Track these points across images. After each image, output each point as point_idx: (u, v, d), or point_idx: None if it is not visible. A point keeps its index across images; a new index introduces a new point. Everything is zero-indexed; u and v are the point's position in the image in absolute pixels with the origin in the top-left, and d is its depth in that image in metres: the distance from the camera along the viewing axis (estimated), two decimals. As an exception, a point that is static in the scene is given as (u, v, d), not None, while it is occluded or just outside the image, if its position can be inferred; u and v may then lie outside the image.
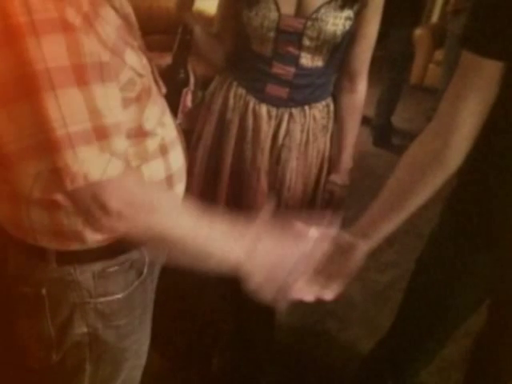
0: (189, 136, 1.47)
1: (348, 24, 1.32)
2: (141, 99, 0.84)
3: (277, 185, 1.48)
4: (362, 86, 1.47)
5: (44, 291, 0.91)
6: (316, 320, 2.18)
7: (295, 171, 1.47)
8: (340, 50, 1.38)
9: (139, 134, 0.87)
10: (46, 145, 0.70)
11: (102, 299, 0.93)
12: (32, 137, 0.70)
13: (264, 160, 1.45)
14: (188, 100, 1.20)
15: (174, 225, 0.83)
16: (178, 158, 0.99)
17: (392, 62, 3.61)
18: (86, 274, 0.90)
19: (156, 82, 0.96)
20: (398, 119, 3.96)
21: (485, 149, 1.03)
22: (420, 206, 1.05)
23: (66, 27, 0.68)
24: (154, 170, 0.92)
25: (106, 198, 0.74)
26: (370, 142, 3.76)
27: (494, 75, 0.94)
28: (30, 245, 0.88)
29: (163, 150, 0.93)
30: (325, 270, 1.01)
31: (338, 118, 1.50)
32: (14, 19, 0.66)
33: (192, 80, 1.20)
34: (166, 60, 1.17)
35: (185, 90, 1.18)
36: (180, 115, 1.18)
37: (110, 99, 0.74)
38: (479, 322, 1.32)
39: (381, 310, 2.19)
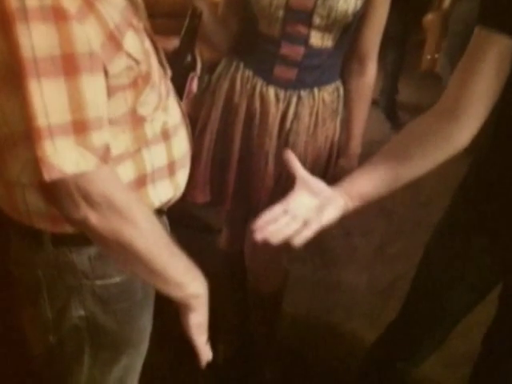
0: (194, 122, 1.46)
1: (360, 3, 1.30)
2: (136, 85, 0.82)
3: (284, 169, 1.46)
4: (371, 69, 1.44)
5: (40, 273, 0.91)
6: (321, 311, 2.17)
7: (303, 156, 1.45)
8: (350, 31, 1.36)
9: (134, 119, 0.85)
10: (29, 133, 0.70)
11: (99, 282, 0.92)
12: (16, 124, 0.70)
13: (272, 144, 1.44)
14: (194, 85, 1.18)
15: (143, 235, 0.80)
16: (181, 144, 0.97)
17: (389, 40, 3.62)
18: (82, 257, 0.89)
19: (162, 64, 0.94)
20: (408, 106, 3.92)
21: (497, 136, 1.01)
22: (428, 196, 1.03)
23: (59, 16, 0.67)
24: (155, 154, 0.91)
25: (87, 189, 0.74)
26: (384, 128, 3.72)
27: (507, 53, 0.92)
28: (26, 227, 0.88)
29: (165, 135, 0.92)
30: (298, 213, 0.94)
31: (346, 101, 1.47)
32: (5, 4, 0.65)
33: (199, 65, 1.18)
34: (173, 43, 1.14)
35: (191, 75, 1.16)
36: (185, 100, 1.16)
37: (95, 92, 0.74)
38: (487, 315, 1.30)
39: (387, 302, 2.17)
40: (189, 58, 1.16)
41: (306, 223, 0.94)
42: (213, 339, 2.00)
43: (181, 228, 2.34)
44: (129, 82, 0.81)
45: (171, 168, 0.95)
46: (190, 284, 0.88)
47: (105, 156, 0.76)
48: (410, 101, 3.95)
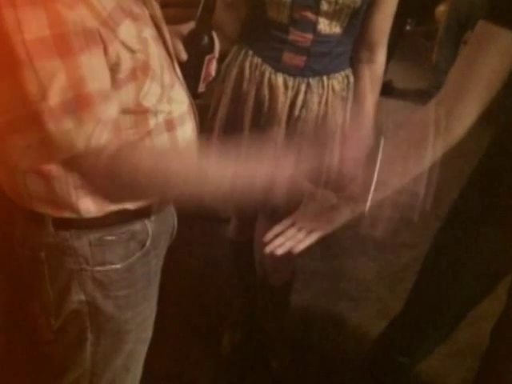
0: (203, 111, 1.45)
1: None
2: (136, 77, 0.82)
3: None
4: (381, 57, 1.43)
5: (43, 255, 0.92)
6: (328, 300, 2.17)
7: (311, 144, 1.44)
8: (358, 17, 1.34)
9: (138, 111, 0.85)
10: (29, 118, 0.70)
11: (100, 268, 0.93)
12: (15, 110, 0.70)
13: (281, 132, 1.42)
14: (212, 68, 1.14)
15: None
16: (186, 134, 0.97)
17: None
18: (82, 241, 0.90)
19: (169, 53, 0.93)
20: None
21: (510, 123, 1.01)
22: (438, 186, 1.02)
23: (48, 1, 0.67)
24: (158, 143, 0.91)
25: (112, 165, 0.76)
26: (396, 118, 3.70)
27: (509, 48, 0.91)
28: (29, 210, 0.89)
29: (169, 126, 0.92)
30: (304, 224, 1.01)
31: (356, 90, 1.45)
32: None
33: (217, 47, 1.15)
34: (189, 26, 1.12)
35: (208, 58, 1.13)
36: (202, 84, 1.14)
37: (95, 66, 0.74)
38: (495, 306, 1.30)
39: (395, 291, 2.17)
40: (206, 40, 1.13)
41: (309, 232, 1.01)
42: (219, 328, 2.02)
43: (190, 218, 2.36)
44: (126, 74, 0.80)
45: None
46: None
47: (116, 131, 0.76)
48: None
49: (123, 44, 0.78)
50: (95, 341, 0.99)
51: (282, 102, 1.40)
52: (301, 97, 1.39)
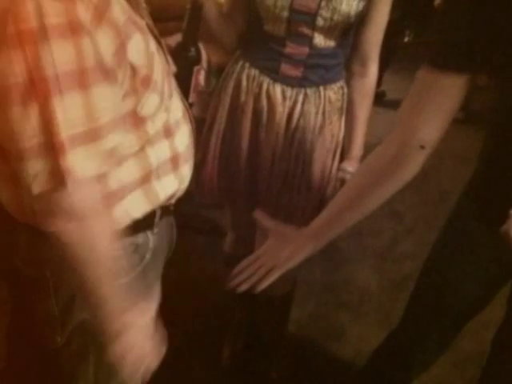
0: (201, 124, 1.46)
1: (361, 4, 1.30)
2: (137, 91, 0.83)
3: (291, 167, 1.47)
4: (373, 70, 1.45)
5: (48, 272, 0.92)
6: (329, 310, 2.17)
7: (310, 153, 1.45)
8: (351, 31, 1.37)
9: (136, 120, 0.87)
10: (42, 148, 0.72)
11: None
12: (35, 138, 0.72)
13: (279, 142, 1.44)
14: (200, 78, 1.17)
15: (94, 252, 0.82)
16: (184, 139, 0.98)
17: None
18: None
19: (167, 63, 0.95)
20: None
21: (504, 135, 1.02)
22: (437, 197, 1.03)
23: (75, 30, 0.70)
24: (159, 151, 0.93)
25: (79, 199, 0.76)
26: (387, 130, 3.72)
27: (454, 88, 0.95)
28: (32, 227, 0.88)
29: (167, 132, 0.94)
30: (267, 260, 1.06)
31: (349, 103, 1.47)
32: (26, 24, 0.67)
33: (204, 57, 1.17)
34: (176, 39, 1.14)
35: (196, 68, 1.15)
36: (192, 94, 1.16)
37: (109, 97, 0.76)
38: (497, 315, 1.30)
39: (396, 301, 2.16)
40: (193, 51, 1.16)
41: (271, 269, 1.05)
42: (220, 340, 2.01)
43: (189, 230, 2.36)
44: (128, 90, 0.81)
45: (175, 162, 0.97)
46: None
47: (114, 156, 0.77)
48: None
49: (131, 64, 0.79)
50: (98, 355, 0.99)
51: (281, 112, 1.42)
52: (299, 107, 1.41)
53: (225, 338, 1.95)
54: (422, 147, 0.99)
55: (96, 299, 0.86)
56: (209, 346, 1.93)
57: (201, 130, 1.50)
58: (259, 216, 1.15)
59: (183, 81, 1.10)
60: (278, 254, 1.06)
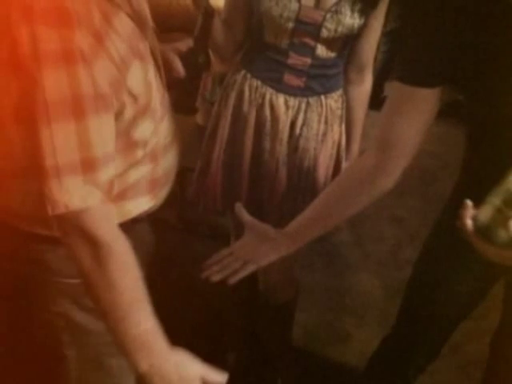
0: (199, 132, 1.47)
1: (364, 17, 1.34)
2: (136, 117, 0.84)
3: (295, 175, 1.49)
4: (368, 77, 1.52)
5: (27, 269, 0.93)
6: (333, 317, 2.17)
7: (313, 160, 1.48)
8: (350, 42, 1.41)
9: (127, 144, 0.87)
10: (34, 170, 0.72)
11: (73, 280, 0.92)
12: (22, 160, 0.73)
13: (282, 150, 1.46)
14: (208, 84, 1.19)
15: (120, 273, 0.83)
16: (168, 163, 0.99)
17: None
18: (55, 255, 0.91)
19: (163, 85, 0.95)
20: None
21: (478, 145, 1.04)
22: (439, 203, 1.04)
23: (70, 58, 0.69)
24: (140, 173, 0.93)
25: (90, 226, 0.76)
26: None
27: (425, 100, 0.98)
28: (14, 226, 0.89)
29: (153, 157, 0.94)
30: (242, 255, 1.08)
31: (347, 109, 1.52)
32: (20, 48, 0.67)
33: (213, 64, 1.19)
34: (187, 43, 1.15)
35: (205, 75, 1.17)
36: (199, 98, 1.18)
37: (103, 130, 0.75)
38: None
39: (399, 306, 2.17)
40: (203, 57, 1.18)
41: (245, 263, 1.08)
42: (224, 348, 2.01)
43: (194, 236, 2.36)
44: (125, 119, 0.82)
45: (154, 185, 0.97)
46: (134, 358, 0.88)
47: (109, 190, 0.78)
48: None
49: (129, 92, 0.80)
50: (77, 354, 0.99)
51: (284, 121, 1.44)
52: (301, 115, 1.43)
53: (229, 347, 1.95)
54: (398, 157, 1.02)
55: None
56: (213, 355, 1.93)
57: (201, 138, 1.52)
58: (238, 210, 1.16)
59: (191, 85, 1.12)
60: (253, 250, 1.09)
